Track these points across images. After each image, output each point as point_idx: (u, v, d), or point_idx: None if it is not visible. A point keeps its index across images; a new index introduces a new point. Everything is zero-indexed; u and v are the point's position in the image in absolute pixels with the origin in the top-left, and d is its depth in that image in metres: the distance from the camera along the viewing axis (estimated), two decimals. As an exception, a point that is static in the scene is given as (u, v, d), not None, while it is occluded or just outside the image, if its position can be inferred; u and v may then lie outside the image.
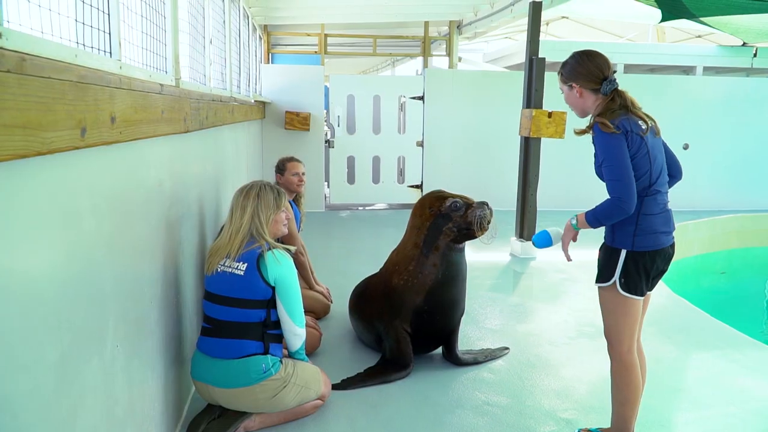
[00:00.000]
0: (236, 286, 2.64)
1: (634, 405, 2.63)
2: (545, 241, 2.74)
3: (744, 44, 10.04)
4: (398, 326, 3.40)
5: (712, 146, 9.51)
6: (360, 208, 9.45)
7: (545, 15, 10.73)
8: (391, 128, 9.31)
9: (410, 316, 3.40)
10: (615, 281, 2.50)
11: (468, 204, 3.39)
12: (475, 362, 3.58)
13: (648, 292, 2.64)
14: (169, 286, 2.63)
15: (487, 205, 3.38)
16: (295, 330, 2.75)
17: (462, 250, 3.45)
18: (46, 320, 1.41)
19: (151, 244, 2.37)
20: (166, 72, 2.77)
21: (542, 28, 14.54)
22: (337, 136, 9.07)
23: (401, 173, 9.51)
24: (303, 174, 4.30)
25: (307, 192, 4.33)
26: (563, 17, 11.38)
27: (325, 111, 8.95)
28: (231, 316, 2.64)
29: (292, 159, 4.33)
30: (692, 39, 13.16)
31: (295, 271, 2.76)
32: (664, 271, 2.61)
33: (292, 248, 2.89)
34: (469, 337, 4.04)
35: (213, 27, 4.43)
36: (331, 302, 4.45)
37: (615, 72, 2.57)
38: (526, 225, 6.46)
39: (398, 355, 3.39)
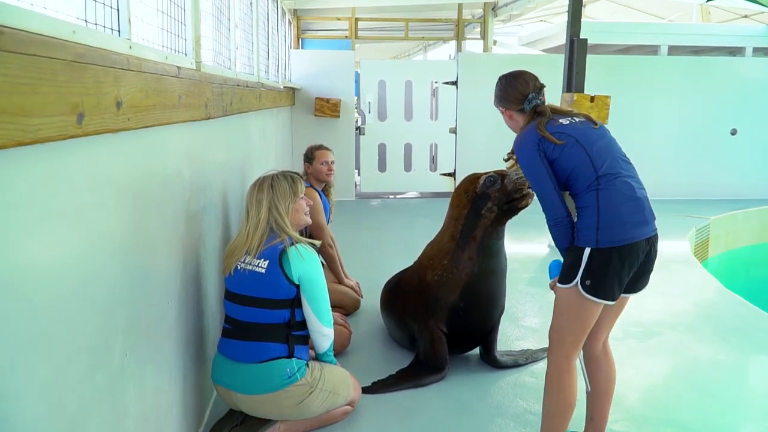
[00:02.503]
0: (258, 285, 2.45)
1: (564, 419, 2.38)
2: (558, 271, 2.52)
3: (797, 23, 9.47)
4: (433, 326, 3.18)
5: (762, 131, 9.04)
6: (391, 196, 9.24)
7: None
8: (424, 114, 9.05)
9: (446, 314, 3.18)
10: (576, 283, 2.26)
11: (503, 175, 3.18)
12: (516, 365, 3.35)
13: (626, 296, 2.41)
14: (188, 283, 2.46)
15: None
16: (323, 330, 2.56)
17: (501, 238, 3.20)
18: (37, 338, 1.23)
19: (169, 238, 2.20)
20: (186, 54, 2.58)
21: (580, 9, 14.12)
22: (367, 122, 8.86)
23: (433, 161, 9.25)
24: (332, 162, 4.10)
25: (338, 180, 4.14)
26: (602, -2, 10.94)
27: (355, 97, 8.73)
28: (253, 317, 2.46)
29: (320, 147, 4.13)
30: (738, 19, 12.57)
31: (321, 267, 2.57)
32: (646, 271, 2.35)
33: (317, 242, 2.70)
34: (508, 336, 3.81)
35: (240, 9, 4.25)
36: (362, 297, 4.26)
37: (540, 88, 2.51)
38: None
39: (433, 357, 3.18)
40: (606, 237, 2.22)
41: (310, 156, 4.08)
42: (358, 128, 8.89)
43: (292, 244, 2.50)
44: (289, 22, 8.79)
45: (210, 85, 2.71)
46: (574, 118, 2.44)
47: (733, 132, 9.13)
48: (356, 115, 9.02)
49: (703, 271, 5.52)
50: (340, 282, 4.15)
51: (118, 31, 1.77)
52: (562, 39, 9.48)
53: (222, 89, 3.00)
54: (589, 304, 2.27)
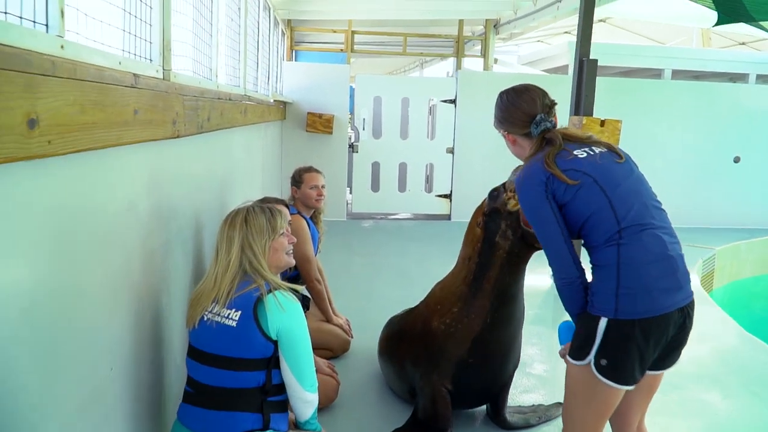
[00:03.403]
0: (227, 341, 2.02)
1: None
2: (570, 335, 2.08)
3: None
4: (436, 381, 2.75)
5: (765, 160, 8.78)
6: (382, 217, 8.82)
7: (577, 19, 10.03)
8: (420, 133, 8.67)
9: (451, 370, 2.75)
10: (590, 361, 1.85)
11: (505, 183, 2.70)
12: (527, 425, 2.93)
13: (655, 372, 1.97)
14: (143, 341, 2.03)
15: None
16: (305, 396, 2.12)
17: (519, 281, 2.72)
18: None
19: (115, 287, 1.77)
20: (151, 60, 2.17)
21: (576, 32, 13.83)
22: (361, 140, 8.46)
23: (429, 181, 8.86)
24: (323, 187, 3.68)
25: (329, 199, 3.72)
26: (601, 20, 10.64)
27: (349, 113, 8.34)
28: (220, 381, 2.02)
29: (309, 169, 3.71)
30: (736, 46, 12.36)
31: (304, 320, 2.14)
32: (678, 345, 1.92)
33: (301, 288, 2.28)
34: (515, 386, 3.37)
35: (226, 15, 3.85)
36: (352, 337, 3.82)
37: (552, 105, 2.14)
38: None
39: (433, 417, 2.74)
40: (628, 306, 1.80)
41: (297, 179, 3.66)
42: (351, 145, 8.49)
43: (270, 290, 2.08)
44: (282, 33, 8.42)
45: (181, 98, 2.30)
46: (593, 148, 2.02)
47: (737, 159, 8.86)
48: (350, 131, 8.63)
49: (719, 310, 5.12)
50: (328, 320, 3.71)
51: (46, 25, 1.36)
52: (564, 59, 9.24)
53: (197, 103, 2.59)
54: (605, 389, 1.86)
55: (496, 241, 2.64)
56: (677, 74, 9.47)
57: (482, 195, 8.68)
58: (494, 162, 8.55)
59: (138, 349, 1.96)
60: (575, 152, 1.98)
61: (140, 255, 1.99)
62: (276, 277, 2.19)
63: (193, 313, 2.12)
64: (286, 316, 2.05)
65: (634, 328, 1.79)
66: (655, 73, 9.39)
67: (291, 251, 2.31)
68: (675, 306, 1.83)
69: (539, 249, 2.54)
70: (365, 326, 4.07)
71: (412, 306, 3.51)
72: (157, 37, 2.19)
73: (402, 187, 8.79)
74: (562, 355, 2.05)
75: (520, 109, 2.09)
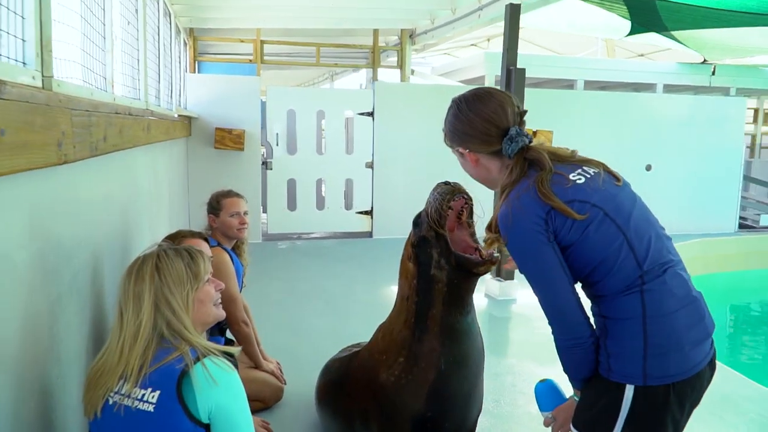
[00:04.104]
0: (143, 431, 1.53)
1: None
2: (554, 399, 1.76)
3: (704, 61, 9.66)
4: (393, 443, 2.34)
5: (675, 167, 9.10)
6: (298, 237, 8.30)
7: (486, 30, 10.03)
8: (337, 147, 8.26)
9: (409, 427, 2.35)
10: None
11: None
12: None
13: None
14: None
15: (446, 183, 2.26)
16: (249, 492, 1.65)
17: (469, 312, 2.33)
18: None
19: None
20: (24, 63, 1.64)
21: (483, 44, 13.97)
22: (275, 156, 7.93)
23: (348, 198, 8.46)
24: (245, 213, 3.19)
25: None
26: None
27: (261, 128, 7.81)
28: (135, 488, 1.52)
29: (229, 194, 3.20)
30: (635, 57, 12.91)
31: (243, 392, 1.67)
32: (695, 404, 1.62)
33: (236, 350, 1.81)
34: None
35: (121, 15, 3.29)
36: (285, 383, 3.33)
37: (523, 114, 1.73)
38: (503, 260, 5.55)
39: (395, 485, 2.33)
40: (659, 369, 1.47)
41: (215, 206, 3.15)
42: (264, 162, 7.94)
43: (198, 358, 1.60)
44: (185, 42, 7.77)
45: (69, 113, 1.78)
46: (586, 169, 1.65)
47: (648, 168, 9.10)
48: (262, 148, 8.09)
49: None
50: (258, 367, 3.22)
51: None
52: (479, 70, 9.15)
53: (90, 119, 2.07)
54: None
55: (432, 274, 2.25)
56: (589, 85, 9.65)
57: (404, 210, 8.43)
58: (416, 176, 8.32)
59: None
60: (571, 176, 1.60)
61: (19, 320, 1.47)
62: (203, 338, 1.72)
63: (93, 396, 1.61)
64: (220, 392, 1.58)
65: (669, 395, 1.47)
66: (568, 84, 9.51)
67: (219, 301, 1.84)
68: (706, 360, 1.53)
69: (482, 274, 2.19)
70: (297, 367, 3.62)
71: (349, 345, 3.12)
72: (32, 33, 1.67)
73: (320, 204, 8.34)
74: (549, 425, 1.70)
75: (487, 120, 1.68)
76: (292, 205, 8.16)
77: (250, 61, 8.51)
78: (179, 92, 6.65)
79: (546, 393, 1.71)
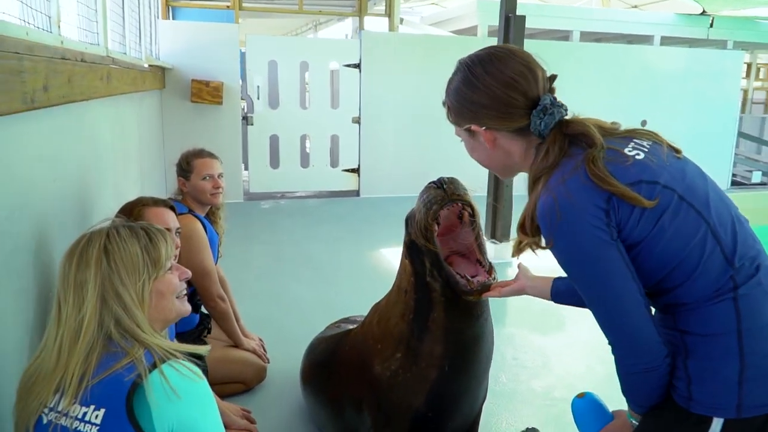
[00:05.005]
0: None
1: None
2: (599, 418, 1.44)
3: (703, 12, 9.27)
4: (389, 439, 2.06)
5: (670, 122, 8.83)
6: (282, 196, 7.94)
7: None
8: (322, 102, 7.83)
9: (406, 425, 2.06)
10: None
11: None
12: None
13: None
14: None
15: (438, 184, 1.85)
16: None
17: (481, 313, 1.97)
18: None
19: None
20: None
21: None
22: (256, 111, 7.49)
23: (334, 155, 8.07)
24: (220, 176, 2.83)
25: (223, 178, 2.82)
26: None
27: (241, 80, 7.35)
28: None
29: (200, 153, 2.82)
30: (629, 9, 12.43)
31: (214, 404, 1.35)
32: None
33: (204, 349, 1.49)
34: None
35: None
36: (268, 362, 3.04)
37: (552, 77, 1.38)
38: (499, 221, 5.26)
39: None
40: (758, 396, 1.17)
41: (185, 167, 2.78)
42: (245, 117, 7.50)
43: (155, 365, 1.28)
44: (156, -13, 7.20)
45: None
46: (639, 141, 1.30)
47: (643, 123, 8.84)
48: (242, 101, 7.64)
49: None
50: (238, 345, 2.91)
51: None
52: (472, 20, 8.68)
53: (22, 63, 1.68)
54: None
55: (427, 282, 1.93)
56: (584, 36, 9.25)
57: (393, 168, 8.07)
58: (405, 131, 7.95)
59: None
60: (626, 151, 1.26)
61: None
62: (162, 338, 1.39)
63: (25, 409, 1.29)
64: (183, 407, 1.26)
65: (767, 428, 1.18)
66: (563, 35, 9.09)
67: (183, 292, 1.51)
68: None
69: (476, 298, 1.84)
70: (281, 342, 3.34)
71: (336, 321, 2.84)
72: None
73: (305, 162, 7.95)
74: None
75: (511, 87, 1.32)
76: (274, 162, 7.77)
77: (228, 7, 7.95)
78: (151, 41, 6.15)
79: (588, 411, 1.40)
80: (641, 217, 1.19)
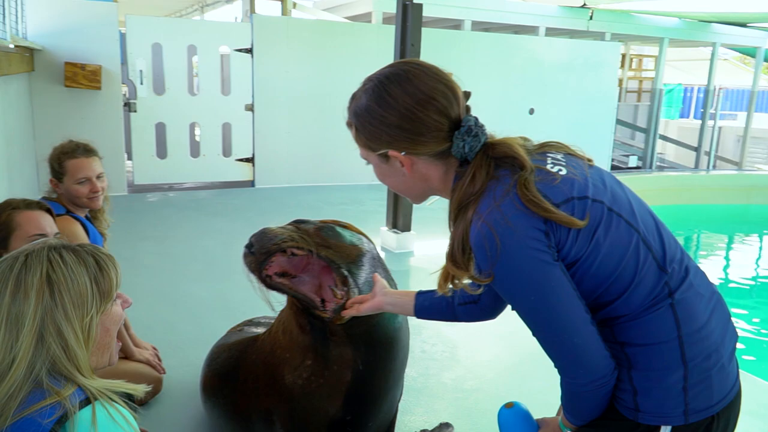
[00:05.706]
0: None
1: None
2: (527, 429, 1.39)
3: (583, 5, 9.73)
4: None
5: (556, 111, 9.32)
6: (170, 187, 7.49)
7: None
8: (212, 88, 7.45)
9: (323, 431, 1.96)
10: None
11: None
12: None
13: None
14: None
15: (248, 248, 1.83)
16: None
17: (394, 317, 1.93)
18: None
19: None
20: None
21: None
22: (140, 96, 6.99)
23: (226, 143, 7.72)
24: (99, 177, 2.51)
25: (105, 169, 2.47)
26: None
27: (121, 64, 6.82)
28: None
29: (74, 152, 2.46)
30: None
31: None
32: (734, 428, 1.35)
33: (141, 389, 1.28)
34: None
35: None
36: (163, 372, 2.80)
37: (467, 93, 1.31)
38: (400, 211, 5.23)
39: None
40: (702, 400, 1.16)
41: (57, 169, 2.43)
42: (127, 104, 6.98)
43: (88, 401, 1.11)
44: (20, -41, 6.49)
45: None
46: (553, 155, 1.26)
47: (531, 111, 9.21)
48: (123, 87, 7.10)
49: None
50: (129, 357, 2.65)
51: None
52: (366, 6, 8.57)
53: None
54: None
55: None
56: (475, 25, 9.45)
57: (288, 157, 7.85)
58: (300, 119, 7.74)
59: None
60: (548, 167, 1.21)
61: None
62: (96, 379, 1.19)
63: None
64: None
65: (714, 426, 1.17)
66: (455, 24, 9.22)
67: (123, 320, 1.33)
68: (738, 382, 1.24)
69: (338, 321, 1.78)
70: (176, 348, 3.14)
71: (237, 324, 2.66)
72: None
73: (194, 151, 7.56)
74: None
75: (432, 109, 1.22)
76: (161, 152, 7.31)
77: (104, -16, 7.33)
78: (17, 17, 5.54)
79: (516, 422, 1.34)
80: (578, 234, 1.14)
